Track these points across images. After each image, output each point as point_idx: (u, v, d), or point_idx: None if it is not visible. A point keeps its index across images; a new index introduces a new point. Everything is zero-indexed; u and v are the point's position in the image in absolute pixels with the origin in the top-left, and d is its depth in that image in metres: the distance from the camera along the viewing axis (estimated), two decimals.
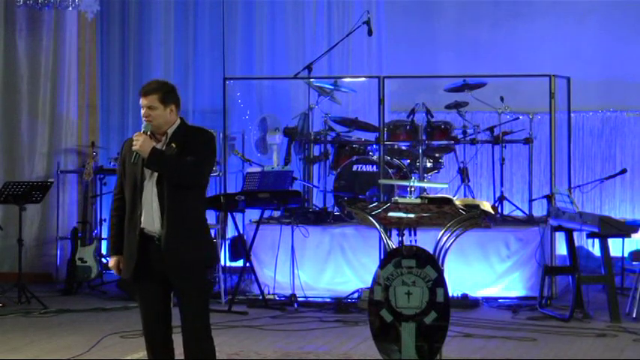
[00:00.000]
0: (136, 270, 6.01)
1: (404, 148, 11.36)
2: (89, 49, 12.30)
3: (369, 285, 7.49)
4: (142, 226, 5.97)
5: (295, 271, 10.38)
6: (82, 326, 9.36)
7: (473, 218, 7.03)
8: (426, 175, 11.29)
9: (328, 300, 10.33)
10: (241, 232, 10.69)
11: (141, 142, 5.95)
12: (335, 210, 11.16)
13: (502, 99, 11.17)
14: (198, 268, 6.06)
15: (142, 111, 6.02)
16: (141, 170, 6.00)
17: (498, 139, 11.10)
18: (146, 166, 5.96)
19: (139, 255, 5.98)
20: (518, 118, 11.34)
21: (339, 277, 10.65)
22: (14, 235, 10.83)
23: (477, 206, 7.09)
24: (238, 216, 10.83)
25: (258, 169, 10.95)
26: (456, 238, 7.09)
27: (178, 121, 6.08)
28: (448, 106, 11.32)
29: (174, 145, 5.98)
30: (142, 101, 6.01)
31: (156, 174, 5.97)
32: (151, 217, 5.97)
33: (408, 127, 11.23)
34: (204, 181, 6.14)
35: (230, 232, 11.10)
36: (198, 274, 6.05)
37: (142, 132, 5.99)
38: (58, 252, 11.74)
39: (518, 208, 11.17)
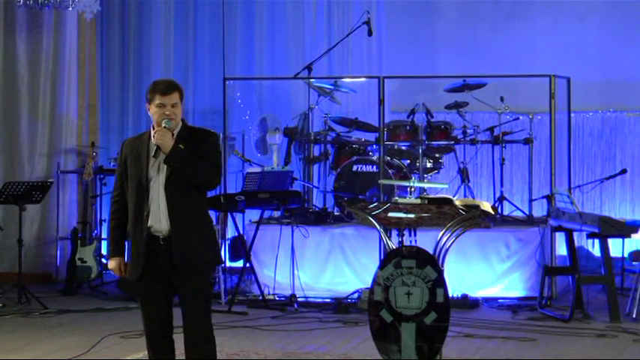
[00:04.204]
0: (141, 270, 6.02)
1: (404, 148, 11.36)
2: (89, 49, 12.31)
3: (369, 285, 7.49)
4: (149, 224, 5.97)
5: (295, 271, 10.38)
6: (82, 326, 9.36)
7: (473, 218, 7.03)
8: (426, 176, 11.29)
9: (328, 300, 10.33)
10: (241, 232, 10.69)
11: (164, 137, 5.92)
12: (335, 210, 11.17)
13: (502, 99, 11.18)
14: (204, 268, 6.07)
15: (162, 109, 5.94)
16: (146, 170, 5.99)
17: (498, 139, 11.10)
18: (165, 162, 5.93)
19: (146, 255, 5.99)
20: (518, 118, 11.34)
21: (339, 278, 10.65)
22: (14, 235, 10.83)
23: (477, 206, 7.09)
24: (238, 216, 10.82)
25: (258, 169, 10.95)
26: (456, 238, 7.09)
27: (181, 122, 6.08)
28: (448, 107, 11.33)
29: (182, 146, 5.97)
30: (163, 99, 5.95)
31: (162, 174, 5.96)
32: (157, 217, 5.97)
33: (407, 128, 11.24)
34: (219, 182, 6.17)
35: (230, 233, 11.10)
36: (203, 274, 6.06)
37: (163, 127, 5.96)
38: (58, 252, 11.74)
39: (518, 208, 11.17)
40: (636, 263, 10.97)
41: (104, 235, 11.52)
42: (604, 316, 9.44)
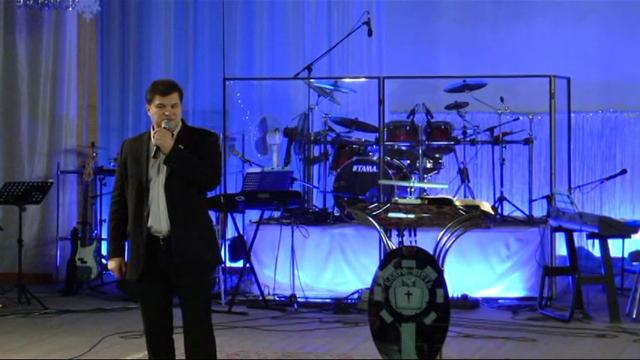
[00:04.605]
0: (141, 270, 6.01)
1: (404, 148, 11.36)
2: (89, 49, 12.31)
3: (369, 285, 7.49)
4: (149, 225, 5.96)
5: (295, 271, 10.37)
6: (82, 326, 9.36)
7: (473, 219, 7.03)
8: (426, 176, 11.29)
9: (328, 300, 10.33)
10: (241, 232, 10.69)
11: (164, 137, 5.92)
12: (335, 210, 11.16)
13: (502, 99, 11.17)
14: (204, 268, 6.07)
15: (162, 110, 5.94)
16: (146, 170, 5.99)
17: (498, 139, 11.10)
18: (165, 162, 5.93)
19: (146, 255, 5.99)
20: (518, 118, 11.34)
21: (339, 278, 10.65)
22: (14, 236, 10.83)
23: (477, 207, 7.09)
24: (238, 216, 10.82)
25: (258, 169, 10.95)
26: (456, 238, 7.09)
27: (181, 122, 6.08)
28: (448, 107, 11.32)
29: (181, 146, 5.97)
30: (163, 100, 5.95)
31: (162, 174, 5.96)
32: (157, 217, 5.97)
33: (407, 128, 11.24)
34: (219, 182, 6.17)
35: (230, 233, 11.09)
36: (204, 274, 6.06)
37: (163, 127, 5.96)
38: (58, 252, 11.74)
39: (518, 208, 11.16)
40: (636, 263, 10.97)
41: (104, 236, 11.52)
42: (604, 316, 9.44)
